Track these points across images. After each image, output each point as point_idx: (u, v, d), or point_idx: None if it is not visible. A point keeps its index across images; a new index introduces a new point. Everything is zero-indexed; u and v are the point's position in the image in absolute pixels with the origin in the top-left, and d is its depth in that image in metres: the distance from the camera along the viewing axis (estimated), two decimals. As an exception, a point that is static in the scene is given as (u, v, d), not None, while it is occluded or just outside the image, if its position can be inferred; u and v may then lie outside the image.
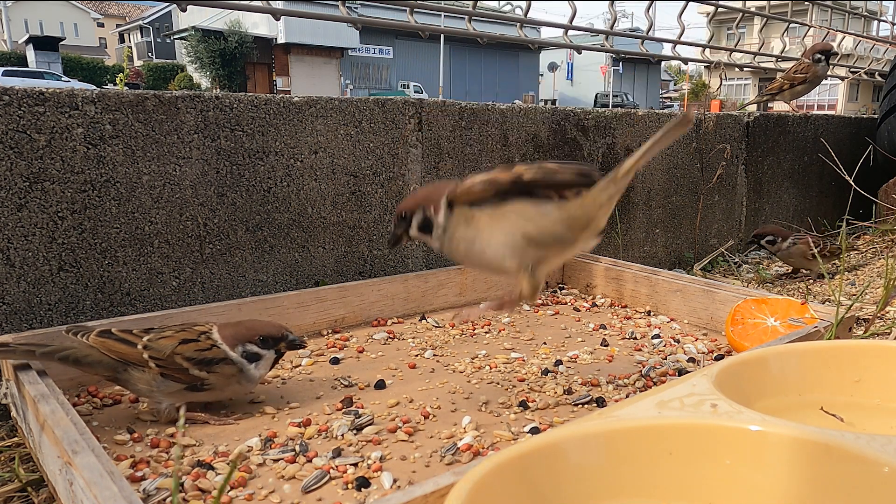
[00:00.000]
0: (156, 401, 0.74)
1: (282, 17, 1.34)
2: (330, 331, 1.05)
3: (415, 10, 1.47)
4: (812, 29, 2.81)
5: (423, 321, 1.11)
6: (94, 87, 0.95)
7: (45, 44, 15.47)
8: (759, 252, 1.94)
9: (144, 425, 0.73)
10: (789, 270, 1.68)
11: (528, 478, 0.50)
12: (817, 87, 2.05)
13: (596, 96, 23.64)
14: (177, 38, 20.56)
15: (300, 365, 0.91)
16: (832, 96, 23.15)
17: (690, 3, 2.07)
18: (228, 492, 0.60)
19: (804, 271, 1.66)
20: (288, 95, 1.09)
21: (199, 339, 0.75)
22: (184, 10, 1.20)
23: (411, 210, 0.75)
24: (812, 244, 1.57)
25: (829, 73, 2.15)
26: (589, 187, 0.68)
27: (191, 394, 0.74)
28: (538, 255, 0.69)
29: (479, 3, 1.56)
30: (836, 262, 1.72)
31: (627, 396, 0.82)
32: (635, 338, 1.04)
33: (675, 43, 2.13)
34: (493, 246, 0.69)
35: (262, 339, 0.77)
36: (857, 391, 0.70)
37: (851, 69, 2.94)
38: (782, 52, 2.65)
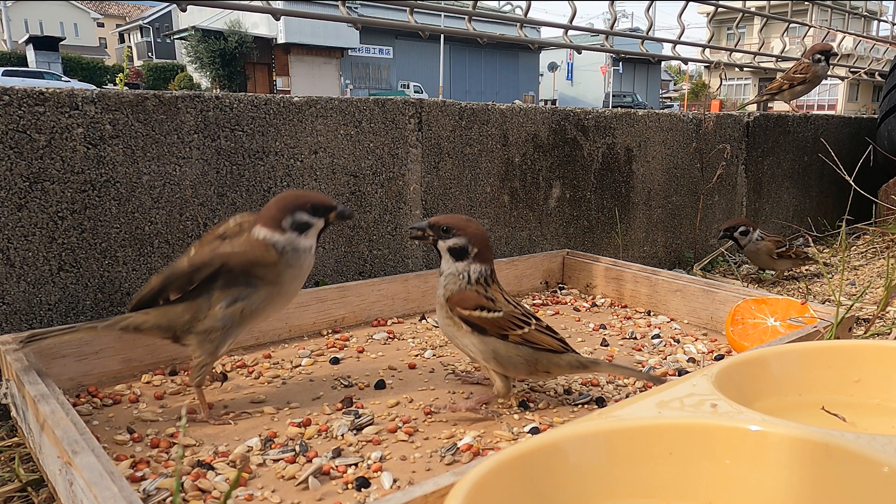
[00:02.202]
0: (215, 343, 0.73)
1: (282, 17, 1.34)
2: (330, 331, 1.05)
3: (415, 10, 1.47)
4: (812, 29, 2.81)
5: (423, 321, 1.11)
6: (94, 87, 0.95)
7: (45, 44, 15.47)
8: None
9: (144, 425, 0.73)
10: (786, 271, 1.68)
11: (528, 478, 0.50)
12: (817, 87, 2.05)
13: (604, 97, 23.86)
14: (177, 38, 20.55)
15: (300, 365, 0.91)
16: (832, 96, 23.15)
17: (690, 3, 2.07)
18: (228, 492, 0.60)
19: (769, 272, 1.64)
20: (288, 95, 1.09)
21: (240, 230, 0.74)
22: (184, 10, 1.20)
23: (455, 231, 0.77)
24: (777, 244, 1.55)
25: (829, 73, 2.15)
26: (565, 351, 0.78)
27: (251, 307, 0.73)
28: (499, 368, 0.77)
29: (479, 3, 1.56)
30: (805, 266, 1.66)
31: (627, 396, 0.82)
32: (635, 338, 1.04)
33: (675, 43, 2.13)
34: (468, 347, 0.77)
35: (312, 206, 0.75)
36: (857, 391, 0.70)
37: (851, 69, 2.94)
38: (782, 52, 2.65)
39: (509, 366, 0.76)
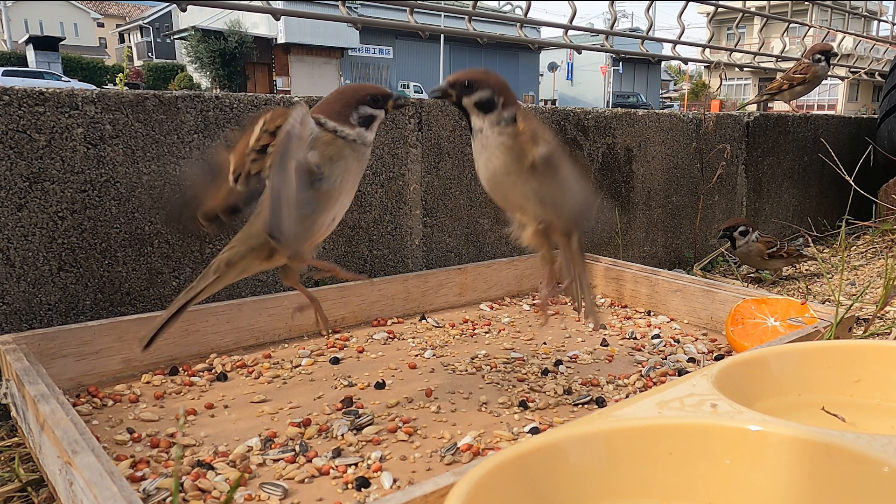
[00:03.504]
0: (303, 236, 0.71)
1: (282, 17, 1.34)
2: (330, 331, 1.05)
3: (415, 10, 1.47)
4: (812, 29, 2.81)
5: (423, 321, 1.11)
6: (94, 87, 0.95)
7: (45, 44, 15.48)
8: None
9: (144, 425, 0.73)
10: (788, 272, 1.68)
11: (528, 478, 0.50)
12: (817, 87, 2.06)
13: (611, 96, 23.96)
14: (177, 38, 20.57)
15: (300, 365, 0.91)
16: (832, 96, 23.15)
17: (690, 3, 2.07)
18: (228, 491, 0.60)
19: (764, 272, 1.64)
20: (288, 95, 1.08)
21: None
22: (184, 10, 1.20)
23: (480, 85, 0.75)
24: (768, 244, 1.54)
25: (829, 73, 2.15)
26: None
27: (327, 185, 0.70)
28: (538, 207, 0.77)
29: (479, 3, 1.56)
30: (800, 264, 1.66)
31: (627, 396, 0.82)
32: (635, 338, 1.04)
33: (675, 43, 2.13)
34: (525, 194, 0.76)
35: (373, 98, 0.74)
36: (857, 391, 0.70)
37: (851, 69, 2.94)
38: (782, 52, 2.65)
39: (548, 205, 0.77)
